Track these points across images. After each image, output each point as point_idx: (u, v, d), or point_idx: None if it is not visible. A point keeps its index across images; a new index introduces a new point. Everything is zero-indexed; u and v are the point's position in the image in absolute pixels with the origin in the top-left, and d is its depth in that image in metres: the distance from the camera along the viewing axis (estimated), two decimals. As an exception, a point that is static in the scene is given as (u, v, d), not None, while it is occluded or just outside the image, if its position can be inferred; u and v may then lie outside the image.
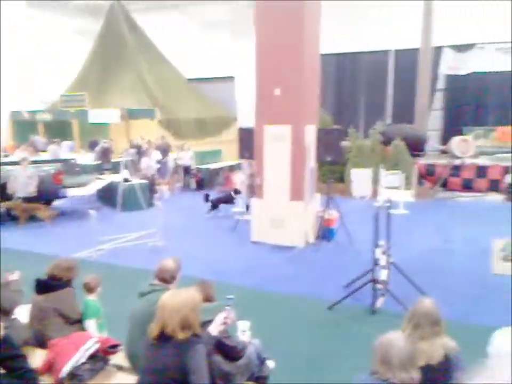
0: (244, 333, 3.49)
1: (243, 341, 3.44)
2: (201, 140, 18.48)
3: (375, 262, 5.75)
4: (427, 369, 2.46)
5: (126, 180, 11.60)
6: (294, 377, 4.23)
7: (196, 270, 6.87)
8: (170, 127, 17.56)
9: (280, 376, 4.10)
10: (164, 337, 2.55)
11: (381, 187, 11.91)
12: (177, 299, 2.59)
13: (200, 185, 14.87)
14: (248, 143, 8.86)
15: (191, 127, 18.38)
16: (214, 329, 2.91)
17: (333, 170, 13.66)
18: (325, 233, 8.75)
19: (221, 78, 21.10)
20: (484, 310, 5.65)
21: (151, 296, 3.16)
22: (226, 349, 3.19)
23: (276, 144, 8.33)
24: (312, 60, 8.55)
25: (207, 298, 3.37)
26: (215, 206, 11.09)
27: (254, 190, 8.97)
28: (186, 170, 14.99)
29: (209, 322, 2.98)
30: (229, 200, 11.18)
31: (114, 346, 3.45)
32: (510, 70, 16.01)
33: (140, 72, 18.50)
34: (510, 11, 15.12)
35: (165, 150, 14.66)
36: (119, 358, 3.49)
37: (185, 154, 14.81)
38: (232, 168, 15.45)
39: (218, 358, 3.14)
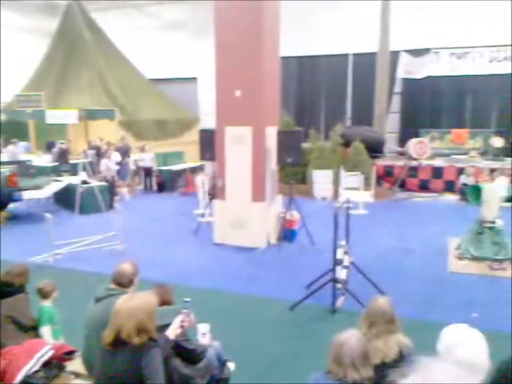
0: (203, 335, 3.47)
1: (203, 343, 3.42)
2: (163, 141, 18.26)
3: (336, 262, 5.83)
4: (382, 367, 2.51)
5: (84, 182, 11.33)
6: (255, 378, 4.23)
7: (156, 273, 6.79)
8: (130, 128, 17.26)
9: (241, 377, 4.10)
10: (119, 343, 2.50)
11: (341, 188, 12.12)
12: (132, 304, 2.54)
13: (162, 187, 14.69)
14: (209, 144, 8.83)
15: (152, 128, 18.13)
16: (171, 332, 2.88)
17: (294, 171, 13.79)
18: (287, 234, 8.82)
19: (183, 78, 20.91)
20: (440, 308, 5.83)
21: (107, 301, 3.09)
22: (186, 352, 3.16)
23: (237, 145, 8.33)
24: (272, 62, 8.60)
25: (165, 302, 3.33)
26: None
27: (216, 191, 8.95)
28: (147, 172, 14.77)
29: (167, 326, 2.94)
30: None
31: (70, 353, 3.36)
32: (463, 74, 16.61)
33: (99, 72, 18.09)
34: (464, 17, 15.71)
35: (125, 152, 14.40)
36: (75, 364, 3.40)
37: (146, 155, 14.60)
38: (194, 170, 15.34)
39: (177, 362, 3.11)
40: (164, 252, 8.31)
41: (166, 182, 14.77)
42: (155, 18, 21.34)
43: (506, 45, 15.82)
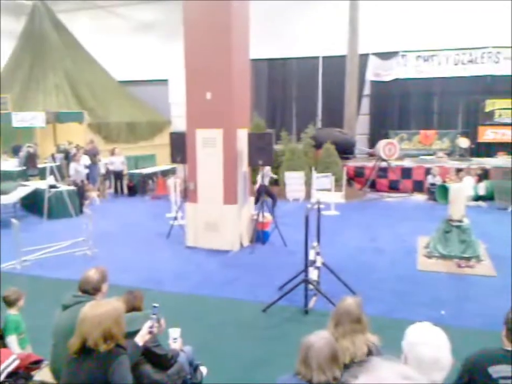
0: (175, 340, 3.44)
1: (174, 348, 3.39)
2: (133, 144, 18.07)
3: (307, 263, 5.87)
4: (351, 367, 2.54)
5: (52, 187, 11.09)
6: (228, 381, 4.22)
7: (128, 278, 6.72)
8: (100, 131, 17.02)
9: (214, 381, 4.09)
10: (85, 351, 2.45)
11: (313, 189, 12.23)
12: (98, 311, 2.50)
13: (133, 190, 14.50)
14: (180, 147, 8.78)
15: (122, 131, 17.93)
16: (140, 339, 2.85)
17: (267, 173, 13.85)
18: (259, 236, 8.83)
19: (154, 80, 20.73)
20: (409, 305, 5.94)
21: (74, 308, 3.02)
22: (156, 358, 3.13)
23: (208, 148, 8.31)
24: (242, 64, 8.62)
25: (135, 308, 3.28)
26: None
27: (188, 194, 8.90)
28: (118, 175, 14.55)
29: (136, 332, 2.91)
30: (273, 196, 11.10)
31: (37, 362, 3.28)
32: (430, 77, 17.01)
33: (67, 74, 17.76)
34: (430, 20, 16.09)
35: (94, 155, 14.16)
36: (43, 374, 3.32)
37: (116, 159, 14.38)
38: (166, 173, 15.22)
39: (148, 368, 3.08)
40: (135, 256, 8.20)
41: (137, 186, 14.59)
42: (125, 20, 21.09)
43: (470, 48, 16.29)
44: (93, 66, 19.46)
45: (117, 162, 14.36)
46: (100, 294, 3.21)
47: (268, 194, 10.34)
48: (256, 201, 9.93)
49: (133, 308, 3.23)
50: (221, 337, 5.17)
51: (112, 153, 14.56)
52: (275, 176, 10.97)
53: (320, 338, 2.34)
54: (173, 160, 9.26)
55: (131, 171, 14.96)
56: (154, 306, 2.98)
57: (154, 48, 20.30)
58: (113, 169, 14.43)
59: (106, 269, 3.37)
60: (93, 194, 13.21)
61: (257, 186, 10.51)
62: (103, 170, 14.50)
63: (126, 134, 18.01)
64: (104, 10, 21.02)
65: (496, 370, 2.41)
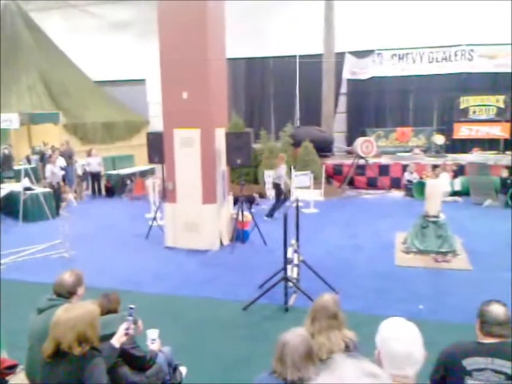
0: (153, 341, 3.42)
1: (152, 349, 3.37)
2: (111, 144, 17.85)
3: (286, 261, 5.89)
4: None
5: (27, 189, 10.88)
6: (209, 380, 4.21)
7: (107, 280, 6.65)
8: (76, 131, 16.75)
9: (195, 381, 4.08)
10: (59, 354, 2.41)
11: (292, 187, 12.27)
12: (72, 314, 2.46)
13: (111, 191, 14.33)
14: (157, 147, 8.72)
15: (99, 131, 17.67)
16: (116, 341, 2.81)
17: (246, 172, 13.84)
18: (239, 234, 8.83)
19: (131, 80, 20.50)
20: (387, 301, 6.01)
21: (49, 312, 2.96)
22: (134, 360, 3.10)
23: (186, 148, 8.27)
24: (219, 63, 8.59)
25: (111, 310, 3.24)
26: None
27: (167, 194, 8.84)
28: (95, 176, 14.36)
29: (113, 334, 2.87)
30: (252, 200, 11.13)
31: (12, 367, 3.22)
32: (405, 74, 17.23)
33: (41, 74, 17.41)
34: (405, 19, 16.30)
35: (69, 156, 13.95)
36: (19, 378, 3.26)
37: (93, 160, 14.19)
38: (145, 173, 15.09)
39: (126, 370, 3.05)
40: (114, 257, 8.11)
41: (115, 187, 14.42)
42: (99, 19, 20.80)
43: (444, 46, 16.56)
44: (67, 66, 19.13)
45: (94, 163, 14.18)
46: (75, 297, 3.16)
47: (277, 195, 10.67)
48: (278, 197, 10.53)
49: (108, 310, 3.19)
50: (201, 336, 5.15)
51: (89, 154, 14.36)
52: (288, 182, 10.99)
53: (295, 336, 2.34)
54: (151, 161, 9.19)
55: (108, 172, 14.78)
56: (131, 308, 2.95)
57: (130, 47, 20.07)
58: (90, 170, 14.25)
59: (81, 272, 3.31)
60: (70, 196, 13.02)
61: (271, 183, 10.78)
62: (79, 172, 14.29)
63: (102, 135, 17.77)
64: (78, 9, 20.69)
65: (469, 363, 2.45)
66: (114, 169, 15.20)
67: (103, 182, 14.53)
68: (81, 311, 2.49)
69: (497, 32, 15.60)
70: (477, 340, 2.57)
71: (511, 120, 16.54)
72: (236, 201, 9.55)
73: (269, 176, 12.08)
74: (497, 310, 2.53)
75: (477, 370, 2.43)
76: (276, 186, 10.70)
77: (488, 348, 2.47)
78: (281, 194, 10.70)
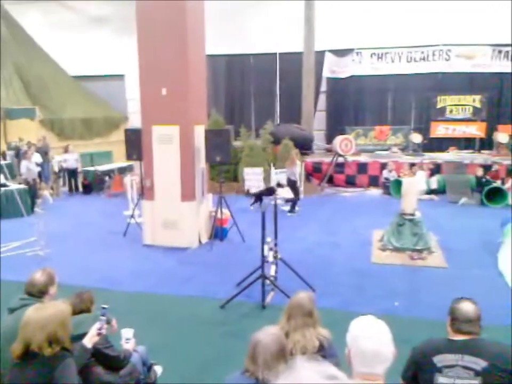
0: (128, 341, 3.39)
1: (127, 349, 3.34)
2: (89, 140, 17.62)
3: (264, 259, 5.91)
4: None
5: (2, 185, 10.67)
6: (184, 380, 4.19)
7: (83, 279, 6.57)
8: (53, 127, 16.48)
9: (170, 380, 4.06)
10: (29, 355, 2.37)
11: (272, 185, 12.27)
12: (42, 314, 2.42)
13: (88, 188, 14.14)
14: (135, 144, 8.63)
15: (77, 127, 17.43)
16: (88, 341, 2.78)
17: (226, 169, 13.82)
18: (218, 232, 8.81)
19: (110, 76, 20.23)
20: (364, 298, 6.08)
21: (20, 312, 2.91)
22: (108, 359, 3.07)
23: (165, 145, 8.21)
24: (198, 60, 8.54)
25: (84, 310, 3.20)
26: (258, 198, 10.79)
27: (145, 191, 8.76)
28: (72, 173, 14.14)
29: (86, 334, 2.84)
30: (271, 191, 10.89)
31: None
32: (384, 74, 17.41)
33: (18, 69, 17.05)
34: (383, 18, 16.46)
35: (45, 152, 13.71)
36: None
37: (70, 156, 13.97)
38: (123, 170, 14.93)
39: (99, 370, 3.02)
40: (90, 256, 8.01)
41: (92, 183, 14.24)
42: (79, 14, 20.47)
43: (422, 46, 16.78)
44: (45, 60, 18.77)
45: (71, 159, 13.97)
46: (47, 297, 3.10)
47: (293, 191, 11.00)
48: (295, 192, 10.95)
49: (81, 310, 3.15)
50: (177, 335, 5.13)
51: (66, 150, 14.15)
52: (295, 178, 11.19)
53: (267, 334, 2.33)
54: (129, 157, 9.11)
55: (86, 168, 14.57)
56: (103, 308, 2.92)
57: (110, 42, 19.82)
58: (67, 166, 14.03)
59: (54, 271, 3.26)
60: (46, 192, 12.79)
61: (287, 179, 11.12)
62: (56, 168, 14.06)
63: (80, 131, 17.53)
64: (56, 3, 20.31)
65: (440, 360, 2.49)
66: (92, 166, 15.00)
67: (80, 179, 14.33)
68: (52, 310, 2.45)
69: (474, 33, 15.90)
70: (448, 337, 2.61)
71: (486, 120, 16.88)
72: (261, 194, 10.06)
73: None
74: (467, 308, 2.57)
75: (447, 367, 2.47)
76: (293, 183, 11.00)
77: (458, 344, 2.51)
78: (298, 190, 11.19)
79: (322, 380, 1.08)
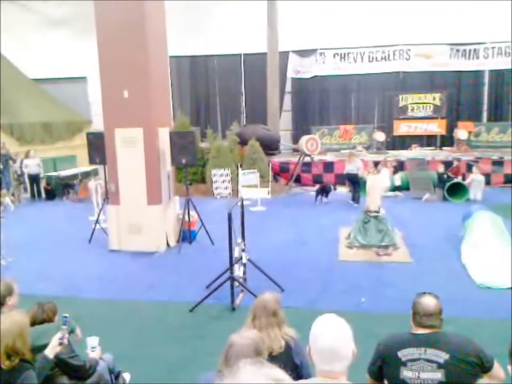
0: (93, 349, 3.32)
1: (93, 357, 3.27)
2: (51, 145, 17.16)
3: (232, 260, 5.90)
4: (270, 359, 2.57)
5: (-41, 194, 10.27)
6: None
7: (47, 287, 6.43)
8: (13, 132, 15.96)
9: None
10: (-14, 369, 2.30)
11: (240, 186, 12.30)
12: None
13: (51, 194, 13.79)
14: (98, 147, 8.48)
15: (38, 131, 16.94)
16: (50, 351, 2.71)
17: (194, 171, 13.75)
18: (186, 235, 8.74)
19: (71, 78, 19.76)
20: (331, 295, 6.15)
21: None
22: (73, 369, 2.99)
23: (128, 148, 8.09)
24: (160, 61, 8.46)
25: (46, 320, 3.11)
26: (320, 193, 12.25)
27: (110, 196, 8.61)
28: (34, 179, 13.75)
29: (48, 345, 2.76)
30: (328, 190, 12.32)
31: None
32: (347, 73, 17.68)
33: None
34: (344, 19, 16.72)
35: (6, 158, 13.28)
36: None
37: (31, 161, 13.59)
38: (87, 174, 14.62)
39: (64, 380, 2.94)
40: (55, 263, 7.80)
41: (56, 189, 13.88)
42: (38, 15, 19.90)
43: (383, 46, 17.13)
44: (1, 63, 18.18)
45: (32, 165, 13.60)
46: (5, 308, 3.00)
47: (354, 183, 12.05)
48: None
49: (43, 320, 3.06)
50: (145, 341, 5.06)
51: (27, 155, 13.77)
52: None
53: (243, 338, 2.32)
54: (92, 162, 8.94)
55: (49, 173, 14.20)
56: (65, 317, 2.85)
57: (70, 44, 19.35)
58: (28, 172, 13.64)
59: (13, 281, 3.16)
60: (7, 199, 12.39)
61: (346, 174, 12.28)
62: (17, 174, 13.65)
63: (41, 135, 17.03)
64: (12, 3, 19.69)
65: (404, 354, 2.54)
66: (55, 171, 14.63)
67: (42, 184, 13.95)
68: (9, 322, 2.38)
69: (433, 32, 16.35)
70: (411, 331, 2.66)
71: (447, 117, 17.38)
72: (322, 189, 12.24)
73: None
74: (428, 302, 2.63)
75: (411, 361, 2.52)
76: (354, 176, 11.90)
77: (421, 338, 2.57)
78: (359, 183, 11.85)
79: (265, 381, 1.09)
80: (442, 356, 2.48)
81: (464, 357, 2.48)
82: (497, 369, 2.57)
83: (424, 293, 2.75)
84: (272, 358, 2.62)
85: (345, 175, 12.37)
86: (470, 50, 16.84)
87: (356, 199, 11.84)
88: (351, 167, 12.09)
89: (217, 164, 13.69)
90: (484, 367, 2.51)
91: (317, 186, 12.83)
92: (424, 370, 2.50)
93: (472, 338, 2.65)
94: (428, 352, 2.51)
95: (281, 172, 14.91)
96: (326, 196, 12.37)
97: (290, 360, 2.73)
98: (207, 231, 8.61)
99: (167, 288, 6.63)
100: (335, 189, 12.62)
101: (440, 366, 2.48)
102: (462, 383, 2.48)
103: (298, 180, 14.70)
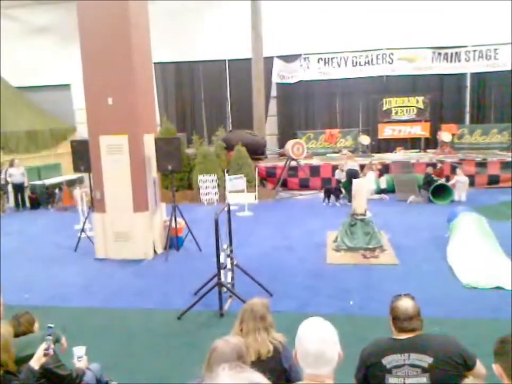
0: (80, 359, 3.28)
1: (79, 367, 3.23)
2: (35, 153, 16.98)
3: (220, 266, 5.88)
4: (258, 364, 2.57)
5: None
6: (142, 395, 4.10)
7: (32, 298, 6.36)
8: (-3, 141, 15.77)
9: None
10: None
11: (227, 191, 12.29)
12: None
13: (36, 203, 13.62)
14: (83, 155, 8.42)
15: (22, 140, 16.75)
16: (36, 362, 2.67)
17: (180, 177, 13.71)
18: (173, 242, 8.70)
19: (55, 86, 19.61)
20: (319, 299, 6.16)
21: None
22: (59, 379, 2.95)
23: (114, 155, 8.04)
24: (145, 68, 8.43)
25: (25, 332, 3.06)
26: (327, 194, 12.50)
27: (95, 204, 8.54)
28: (18, 188, 13.58)
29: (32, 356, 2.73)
30: (339, 192, 12.51)
31: None
32: (331, 78, 17.80)
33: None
34: (328, 24, 16.86)
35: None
36: None
37: (15, 170, 13.42)
38: (72, 182, 14.49)
39: (50, 391, 2.90)
40: (40, 273, 7.71)
41: (40, 198, 13.73)
42: (20, 23, 19.73)
43: (366, 50, 17.28)
44: (-16, 71, 17.97)
45: (17, 174, 13.43)
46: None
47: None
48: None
49: (22, 332, 3.02)
50: (133, 350, 5.01)
51: (11, 164, 13.58)
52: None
53: (226, 342, 2.30)
54: (76, 169, 8.88)
55: (33, 182, 14.04)
56: (49, 327, 2.82)
57: (53, 51, 19.21)
58: (12, 181, 13.46)
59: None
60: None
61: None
62: (1, 183, 13.47)
63: (26, 144, 16.86)
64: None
65: (389, 361, 2.51)
66: (40, 180, 14.46)
67: (27, 193, 13.78)
68: (-8, 334, 2.34)
69: (415, 37, 16.55)
70: (393, 336, 2.64)
71: (430, 120, 17.58)
72: (329, 191, 12.56)
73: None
74: (406, 305, 2.60)
75: (395, 367, 2.50)
76: (355, 172, 12.29)
77: (404, 343, 2.54)
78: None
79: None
80: (426, 360, 2.47)
81: (447, 359, 2.48)
82: (479, 366, 2.57)
83: (400, 295, 2.71)
84: (261, 363, 2.62)
85: (347, 171, 12.69)
86: (451, 53, 17.06)
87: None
88: (353, 164, 12.66)
89: (204, 169, 13.67)
90: (467, 366, 2.52)
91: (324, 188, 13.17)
92: (409, 376, 2.48)
93: (454, 338, 2.65)
94: (412, 357, 2.49)
95: (268, 176, 14.94)
96: (337, 198, 12.49)
97: (279, 364, 2.73)
98: (194, 238, 8.57)
99: (155, 296, 6.58)
100: (340, 192, 12.68)
101: (424, 370, 2.47)
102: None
103: (285, 185, 14.74)
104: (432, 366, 2.46)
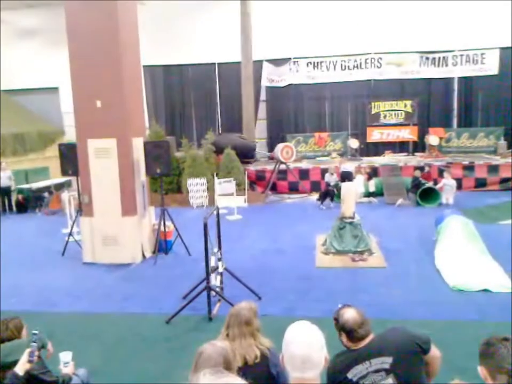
0: (66, 365, 3.24)
1: (66, 373, 3.20)
2: (23, 156, 16.84)
3: (209, 270, 5.87)
4: (245, 369, 2.57)
5: None
6: (129, 400, 4.07)
7: (18, 303, 6.28)
8: (-17, 144, 15.61)
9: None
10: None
11: (216, 195, 12.28)
12: None
13: (23, 207, 13.49)
14: (71, 158, 8.36)
15: (9, 143, 16.59)
16: (20, 368, 2.64)
17: (169, 181, 13.67)
18: (162, 245, 8.66)
19: (43, 89, 19.49)
20: (308, 302, 6.15)
21: None
22: (45, 386, 2.93)
23: (102, 158, 7.99)
24: (134, 71, 8.40)
25: (12, 337, 3.03)
26: (323, 197, 12.59)
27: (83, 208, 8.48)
28: (5, 192, 13.44)
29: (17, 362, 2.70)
30: (332, 194, 12.55)
31: None
32: (320, 82, 17.88)
33: None
34: (317, 28, 16.96)
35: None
36: None
37: (3, 174, 13.28)
38: (61, 186, 14.38)
39: (36, 397, 2.87)
40: (27, 278, 7.61)
41: (28, 202, 13.60)
42: (8, 25, 19.59)
43: (355, 54, 17.40)
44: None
45: (3, 177, 13.30)
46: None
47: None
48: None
49: (8, 338, 2.98)
50: (120, 355, 4.97)
51: (-2, 168, 13.45)
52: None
53: (213, 346, 2.29)
54: (64, 173, 8.81)
55: (20, 186, 13.90)
56: (34, 333, 2.79)
57: (41, 54, 19.12)
58: (-1, 185, 13.32)
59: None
60: (-23, 214, 12.09)
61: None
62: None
63: (13, 147, 16.71)
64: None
65: (354, 374, 2.47)
66: (27, 183, 14.33)
67: (14, 197, 13.64)
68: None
69: (403, 41, 16.70)
70: (351, 348, 2.58)
71: (418, 124, 17.73)
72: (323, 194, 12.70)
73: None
74: (352, 315, 2.57)
75: (361, 378, 2.46)
76: (349, 173, 13.27)
77: (362, 352, 2.51)
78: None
79: None
80: (386, 361, 2.45)
81: (405, 352, 2.46)
82: (433, 349, 2.55)
83: (340, 308, 2.69)
84: (248, 368, 2.61)
85: (341, 173, 13.29)
86: (439, 58, 17.23)
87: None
88: (346, 166, 13.36)
89: (193, 173, 13.65)
90: (424, 350, 2.49)
91: (320, 191, 13.33)
92: (376, 382, 2.45)
93: (404, 328, 2.62)
94: (373, 363, 2.46)
95: (257, 180, 14.95)
96: (332, 200, 12.53)
97: (267, 370, 2.72)
98: (183, 241, 8.54)
99: (143, 300, 6.54)
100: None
101: (388, 371, 2.44)
102: (413, 376, 2.45)
103: (274, 188, 14.76)
104: (393, 365, 2.43)
